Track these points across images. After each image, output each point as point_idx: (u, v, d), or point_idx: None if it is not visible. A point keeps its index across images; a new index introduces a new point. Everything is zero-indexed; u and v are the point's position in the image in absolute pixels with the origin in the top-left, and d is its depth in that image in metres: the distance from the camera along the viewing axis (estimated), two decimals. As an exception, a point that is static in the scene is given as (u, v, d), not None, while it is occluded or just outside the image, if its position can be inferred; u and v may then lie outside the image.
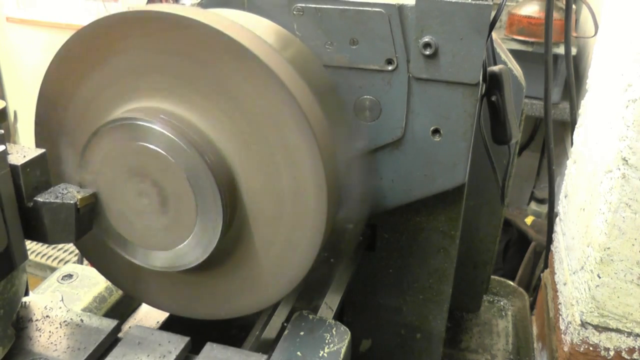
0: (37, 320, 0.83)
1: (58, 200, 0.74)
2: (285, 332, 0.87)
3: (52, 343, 0.79)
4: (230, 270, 0.87)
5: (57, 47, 0.82)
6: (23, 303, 0.85)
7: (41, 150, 0.75)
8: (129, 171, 0.79)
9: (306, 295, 1.01)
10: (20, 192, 0.72)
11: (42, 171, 0.75)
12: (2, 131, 0.73)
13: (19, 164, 0.71)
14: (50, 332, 0.81)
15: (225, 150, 0.79)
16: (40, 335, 0.80)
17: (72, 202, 0.74)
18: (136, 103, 0.81)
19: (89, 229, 0.80)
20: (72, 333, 0.80)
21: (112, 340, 0.81)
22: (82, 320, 0.82)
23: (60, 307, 0.85)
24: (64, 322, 0.83)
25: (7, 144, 0.72)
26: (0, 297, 0.74)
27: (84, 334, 0.80)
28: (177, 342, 0.79)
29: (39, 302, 0.86)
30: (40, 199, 0.73)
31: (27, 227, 0.74)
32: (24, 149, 0.74)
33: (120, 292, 1.16)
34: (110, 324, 0.81)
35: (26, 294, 0.84)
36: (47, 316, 0.84)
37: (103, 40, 0.79)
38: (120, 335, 0.82)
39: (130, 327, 0.82)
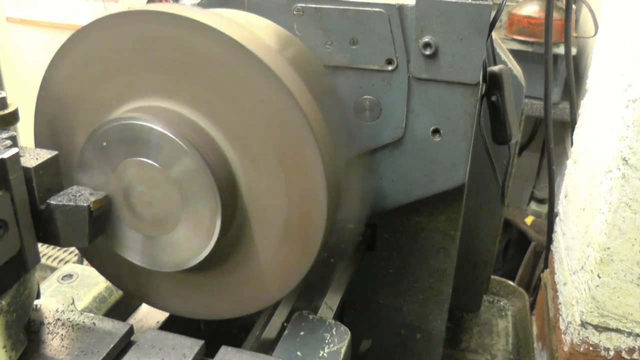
0: (49, 323, 0.82)
1: (71, 203, 0.73)
2: (285, 332, 0.87)
3: (64, 346, 0.78)
4: (230, 270, 0.87)
5: (57, 47, 0.82)
6: (34, 306, 0.84)
7: (53, 153, 0.74)
8: (129, 171, 0.79)
9: (306, 295, 1.01)
10: (33, 195, 0.71)
11: (55, 173, 0.74)
12: (15, 133, 0.73)
13: (32, 166, 0.70)
14: (62, 335, 0.80)
15: (225, 150, 0.79)
16: (52, 339, 0.80)
17: (85, 204, 0.74)
18: (136, 102, 0.81)
19: (101, 232, 0.79)
20: (85, 336, 0.79)
21: (125, 344, 0.80)
22: (94, 324, 0.81)
23: (72, 310, 0.85)
24: (76, 325, 0.82)
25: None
26: (14, 300, 0.73)
27: (96, 337, 0.79)
28: (192, 346, 0.78)
29: (51, 305, 0.86)
30: (53, 201, 0.73)
31: (39, 230, 0.73)
32: (36, 151, 0.74)
33: (120, 292, 1.16)
34: (123, 327, 0.80)
35: (37, 296, 0.83)
36: (58, 319, 0.83)
37: (103, 39, 0.79)
38: (133, 338, 0.82)
39: (145, 331, 0.81)
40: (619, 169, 1.12)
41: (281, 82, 0.75)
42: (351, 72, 0.98)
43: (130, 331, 0.81)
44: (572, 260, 1.42)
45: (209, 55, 0.76)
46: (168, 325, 1.06)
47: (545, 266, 1.82)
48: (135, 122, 0.76)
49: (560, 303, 1.47)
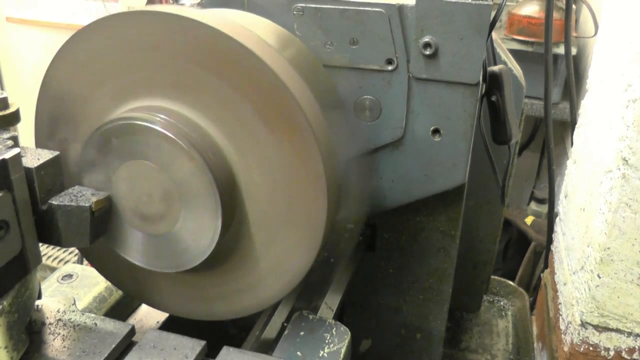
0: (50, 323, 0.82)
1: (73, 203, 0.73)
2: (285, 332, 0.87)
3: (65, 347, 0.78)
4: (230, 270, 0.87)
5: (57, 47, 0.82)
6: (36, 306, 0.84)
7: (55, 153, 0.74)
8: (129, 171, 0.79)
9: (306, 295, 1.01)
10: (35, 195, 0.71)
11: (56, 174, 0.74)
12: (16, 133, 0.73)
13: (33, 166, 0.70)
14: (63, 335, 0.80)
15: (225, 150, 0.79)
16: (54, 339, 0.80)
17: (87, 205, 0.74)
18: (137, 102, 0.81)
19: (103, 233, 0.79)
20: (86, 337, 0.79)
21: (126, 344, 0.80)
22: (95, 324, 0.81)
23: (73, 311, 0.85)
24: (78, 325, 0.82)
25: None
26: (15, 301, 0.73)
27: (98, 338, 0.79)
28: (193, 346, 0.78)
29: (52, 305, 0.86)
30: (54, 202, 0.73)
31: (41, 230, 0.73)
32: (37, 151, 0.73)
33: (120, 292, 1.16)
34: (124, 327, 0.80)
35: (39, 297, 0.83)
36: (60, 320, 0.83)
37: (104, 40, 0.80)
38: (134, 338, 0.82)
39: (145, 331, 0.81)
40: (619, 169, 1.12)
41: (281, 81, 0.75)
42: (351, 72, 0.98)
43: (132, 331, 0.81)
44: (572, 260, 1.42)
45: (208, 55, 0.76)
46: (168, 326, 1.06)
47: (545, 266, 1.82)
48: (135, 122, 0.76)
49: (560, 303, 1.47)
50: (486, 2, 0.87)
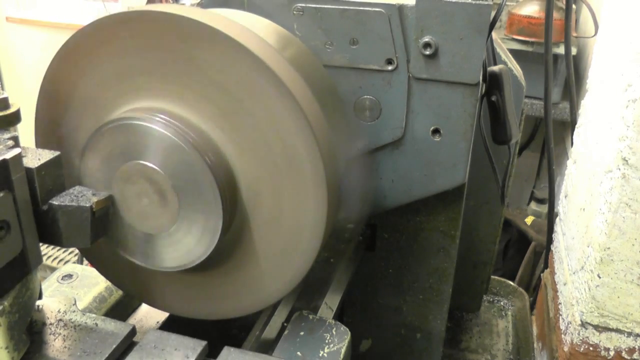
0: (51, 324, 0.82)
1: (74, 204, 0.73)
2: (285, 332, 0.87)
3: (66, 347, 0.78)
4: (230, 270, 0.87)
5: (57, 47, 0.82)
6: (37, 307, 0.84)
7: (55, 153, 0.74)
8: (129, 172, 0.79)
9: (306, 295, 1.01)
10: (35, 196, 0.71)
11: (57, 174, 0.74)
12: (17, 133, 0.73)
13: (34, 167, 0.70)
14: (64, 336, 0.80)
15: (225, 150, 0.79)
16: (54, 339, 0.80)
17: (87, 205, 0.74)
18: (137, 103, 0.81)
19: (104, 233, 0.79)
20: (87, 337, 0.79)
21: (127, 345, 0.80)
22: (96, 324, 0.81)
23: (74, 311, 0.85)
24: (78, 325, 0.82)
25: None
26: (16, 301, 0.73)
27: (99, 338, 0.79)
28: (194, 347, 0.78)
29: (53, 306, 0.86)
30: (55, 202, 0.73)
31: (41, 230, 0.73)
32: (38, 151, 0.73)
33: (120, 292, 1.16)
34: (125, 327, 0.80)
35: (39, 297, 0.83)
36: (60, 320, 0.83)
37: (104, 39, 0.79)
38: (135, 339, 0.82)
39: (146, 331, 0.82)
40: (619, 169, 1.12)
41: (281, 82, 0.75)
42: (351, 72, 0.98)
43: (133, 332, 0.81)
44: (572, 260, 1.42)
45: (208, 55, 0.76)
46: (168, 326, 1.06)
47: (545, 266, 1.82)
48: (136, 122, 0.76)
49: (560, 303, 1.47)
50: (486, 2, 0.87)
